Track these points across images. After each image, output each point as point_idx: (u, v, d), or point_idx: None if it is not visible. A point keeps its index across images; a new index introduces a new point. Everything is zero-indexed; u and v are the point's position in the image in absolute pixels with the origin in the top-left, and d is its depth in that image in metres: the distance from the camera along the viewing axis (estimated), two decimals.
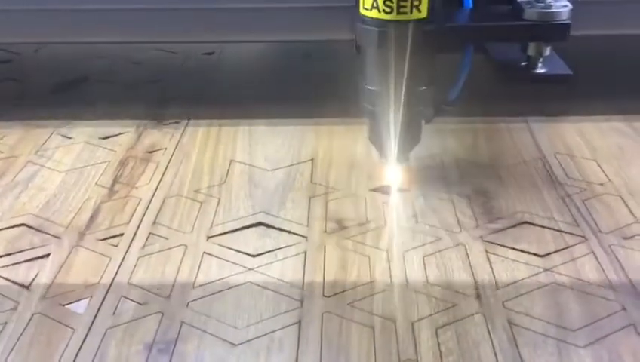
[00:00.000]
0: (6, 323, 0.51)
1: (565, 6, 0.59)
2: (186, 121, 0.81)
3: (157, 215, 0.64)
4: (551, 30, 0.59)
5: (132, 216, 0.64)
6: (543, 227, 0.61)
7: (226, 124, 0.80)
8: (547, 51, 0.62)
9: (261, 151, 0.74)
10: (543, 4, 0.59)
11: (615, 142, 0.74)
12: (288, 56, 1.02)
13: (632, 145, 0.73)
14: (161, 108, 0.85)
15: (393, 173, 0.68)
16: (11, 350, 0.49)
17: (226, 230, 0.62)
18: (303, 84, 0.91)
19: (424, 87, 0.61)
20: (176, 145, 0.76)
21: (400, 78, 0.59)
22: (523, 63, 0.64)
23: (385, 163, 0.67)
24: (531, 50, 0.62)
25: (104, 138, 0.78)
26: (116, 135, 0.79)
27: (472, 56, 0.63)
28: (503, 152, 0.73)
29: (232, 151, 0.75)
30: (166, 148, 0.75)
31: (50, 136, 0.79)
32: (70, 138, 0.78)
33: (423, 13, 0.56)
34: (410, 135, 0.64)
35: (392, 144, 0.64)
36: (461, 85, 0.63)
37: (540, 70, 0.63)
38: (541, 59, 0.63)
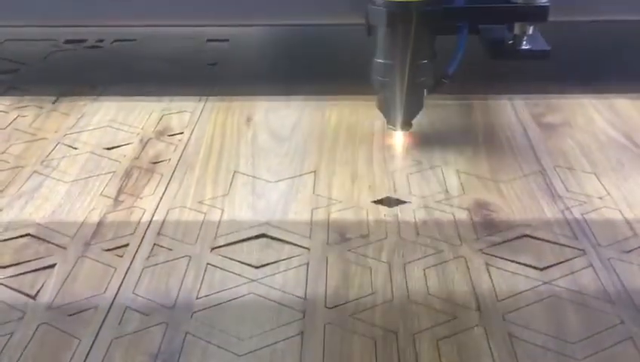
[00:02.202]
0: (12, 333, 0.52)
1: None
2: (190, 132, 0.82)
3: (161, 226, 0.65)
4: (533, 11, 0.69)
5: (137, 226, 0.64)
6: (543, 240, 0.61)
7: (229, 136, 0.81)
8: (530, 30, 0.72)
9: (264, 163, 0.75)
10: None
11: (614, 156, 0.75)
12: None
13: (631, 159, 0.74)
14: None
15: (399, 138, 0.79)
16: (18, 360, 0.50)
17: (230, 241, 0.62)
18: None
19: (426, 60, 0.71)
20: (180, 156, 0.77)
21: (405, 52, 0.69)
22: (510, 42, 0.73)
23: (392, 129, 0.77)
24: (517, 29, 0.72)
25: (109, 148, 0.79)
26: (121, 145, 0.80)
27: (466, 35, 0.71)
28: (504, 166, 0.73)
29: (236, 162, 0.75)
30: (170, 159, 0.76)
31: (56, 146, 0.80)
32: (75, 148, 0.79)
33: None
34: (414, 102, 0.74)
35: (399, 110, 0.74)
36: (458, 61, 0.72)
37: (525, 47, 0.73)
38: (525, 38, 0.72)
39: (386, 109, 0.76)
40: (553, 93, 0.90)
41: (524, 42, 0.72)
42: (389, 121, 0.76)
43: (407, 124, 0.76)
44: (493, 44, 0.74)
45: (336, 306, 0.54)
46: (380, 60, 0.71)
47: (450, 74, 0.72)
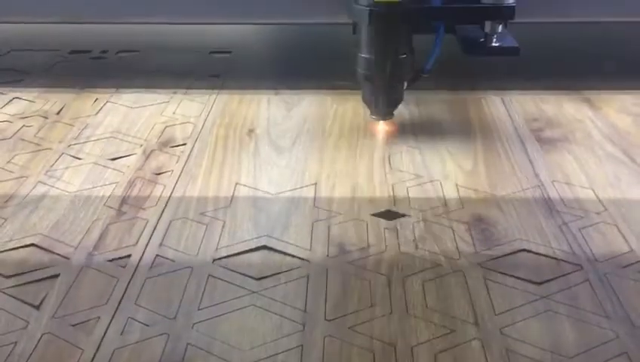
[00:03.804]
0: (16, 342, 0.53)
1: None
2: (193, 144, 0.83)
3: (164, 237, 0.65)
4: (501, 11, 0.76)
5: (139, 237, 0.65)
6: (540, 255, 0.62)
7: (231, 147, 0.82)
8: (499, 29, 0.78)
9: (265, 174, 0.76)
10: None
11: (612, 171, 0.75)
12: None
13: (629, 174, 0.75)
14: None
15: (382, 127, 0.86)
16: None
17: (231, 253, 0.63)
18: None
19: (404, 55, 0.77)
20: (183, 167, 0.78)
21: (385, 47, 0.76)
22: (481, 39, 0.80)
23: (374, 119, 0.85)
24: (487, 27, 0.78)
25: (112, 159, 0.80)
26: (124, 156, 0.81)
27: (443, 33, 0.79)
28: (502, 180, 0.74)
29: (237, 174, 0.76)
30: (173, 171, 0.77)
31: (60, 156, 0.81)
32: (79, 159, 0.80)
33: None
34: (394, 93, 0.81)
35: (380, 100, 0.81)
36: (434, 57, 0.79)
37: (495, 44, 0.79)
38: (495, 36, 0.79)
39: (368, 100, 0.82)
40: (552, 106, 0.91)
41: (495, 40, 0.79)
42: (372, 111, 0.84)
43: (388, 114, 0.83)
44: (466, 41, 0.81)
45: (335, 318, 0.55)
46: (363, 55, 0.78)
47: (427, 70, 0.80)
